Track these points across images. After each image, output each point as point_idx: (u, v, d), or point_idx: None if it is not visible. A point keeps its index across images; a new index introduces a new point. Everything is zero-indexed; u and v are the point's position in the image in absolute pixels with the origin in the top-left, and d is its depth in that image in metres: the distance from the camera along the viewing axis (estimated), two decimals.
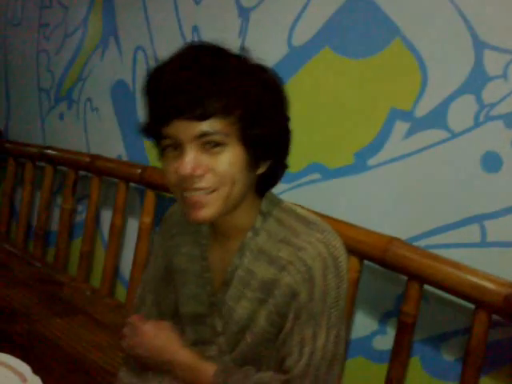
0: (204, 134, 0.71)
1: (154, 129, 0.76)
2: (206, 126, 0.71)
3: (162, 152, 0.77)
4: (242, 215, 0.82)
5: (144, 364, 0.92)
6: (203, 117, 0.70)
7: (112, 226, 2.00)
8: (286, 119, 0.81)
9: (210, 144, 0.72)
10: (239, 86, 0.72)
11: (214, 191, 0.74)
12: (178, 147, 0.73)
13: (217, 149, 0.73)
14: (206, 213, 0.75)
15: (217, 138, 0.72)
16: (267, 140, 0.76)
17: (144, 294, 1.00)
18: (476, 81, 1.27)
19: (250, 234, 0.83)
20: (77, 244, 2.23)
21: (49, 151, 2.26)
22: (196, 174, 0.72)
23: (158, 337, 0.89)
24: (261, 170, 0.79)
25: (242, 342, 0.85)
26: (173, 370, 0.87)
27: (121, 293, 2.08)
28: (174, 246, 0.93)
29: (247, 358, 0.86)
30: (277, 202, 0.85)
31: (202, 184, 0.73)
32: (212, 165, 0.73)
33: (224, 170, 0.73)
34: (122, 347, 0.96)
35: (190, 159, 0.71)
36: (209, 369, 0.84)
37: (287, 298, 0.80)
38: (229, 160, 0.73)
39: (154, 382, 0.92)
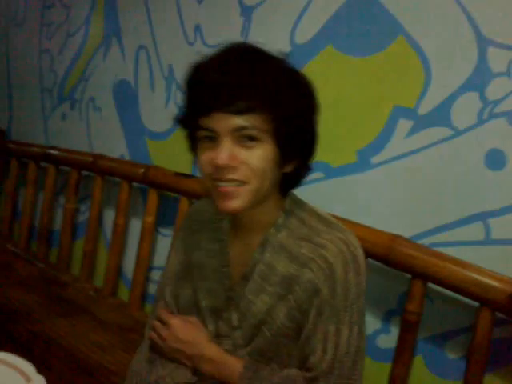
0: (241, 128, 0.74)
1: (193, 119, 0.78)
2: (243, 120, 0.74)
3: (197, 143, 0.80)
4: (266, 211, 0.84)
5: (172, 357, 0.93)
6: (242, 111, 0.73)
7: (115, 225, 2.00)
8: (315, 124, 0.84)
9: (245, 138, 0.75)
10: (278, 86, 0.75)
11: (244, 184, 0.77)
12: (214, 139, 0.76)
13: (251, 143, 0.76)
14: (236, 203, 0.77)
15: (252, 132, 0.75)
16: (297, 140, 0.80)
17: (163, 286, 1.01)
18: (480, 78, 1.27)
19: (272, 230, 0.85)
20: (80, 244, 2.23)
21: (52, 151, 2.26)
22: (231, 165, 0.75)
23: (187, 331, 0.91)
24: (287, 169, 0.82)
25: (260, 335, 0.86)
26: (200, 363, 0.90)
27: (124, 292, 2.07)
28: (194, 242, 0.95)
29: (263, 353, 0.87)
30: (299, 203, 0.88)
31: (235, 176, 0.76)
32: (246, 158, 0.75)
33: (256, 165, 0.76)
34: (151, 338, 0.96)
35: (226, 150, 0.74)
36: (236, 364, 0.86)
37: (309, 294, 0.82)
38: (262, 155, 0.76)
39: (167, 370, 0.92)
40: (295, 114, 0.78)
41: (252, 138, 0.75)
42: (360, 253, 0.84)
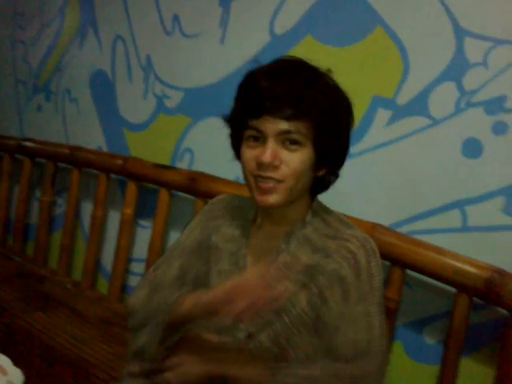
0: (286, 132, 0.83)
1: (244, 120, 0.86)
2: (289, 125, 0.82)
3: (241, 141, 0.88)
4: (295, 209, 0.92)
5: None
6: (289, 117, 0.82)
7: (93, 218, 1.97)
8: (349, 136, 0.92)
9: (288, 141, 0.84)
10: (322, 98, 0.83)
11: (281, 182, 0.84)
12: (260, 139, 0.85)
13: (294, 146, 0.84)
14: (274, 198, 0.85)
15: (296, 137, 0.83)
16: (332, 149, 0.88)
17: (172, 256, 1.02)
18: (457, 68, 1.29)
19: (299, 224, 0.92)
20: (57, 237, 2.20)
21: (27, 143, 2.21)
22: (274, 164, 0.83)
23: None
24: (319, 174, 0.90)
25: (278, 321, 0.88)
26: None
27: (103, 285, 2.05)
28: (215, 226, 1.00)
29: (277, 341, 0.88)
30: (325, 208, 0.97)
31: (275, 174, 0.84)
32: (287, 159, 0.84)
33: (295, 166, 0.84)
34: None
35: (272, 150, 0.83)
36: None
37: (331, 281, 0.87)
38: (301, 158, 0.84)
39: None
40: (334, 124, 0.86)
41: (295, 142, 0.84)
42: (378, 250, 0.91)
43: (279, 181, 0.84)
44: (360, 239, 0.90)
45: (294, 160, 0.84)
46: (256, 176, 0.85)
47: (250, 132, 0.86)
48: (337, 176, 0.95)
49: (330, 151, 0.88)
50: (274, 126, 0.82)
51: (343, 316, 0.86)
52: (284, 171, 0.84)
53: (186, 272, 0.99)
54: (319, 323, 0.87)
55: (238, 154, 0.92)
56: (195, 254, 0.99)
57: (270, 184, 0.84)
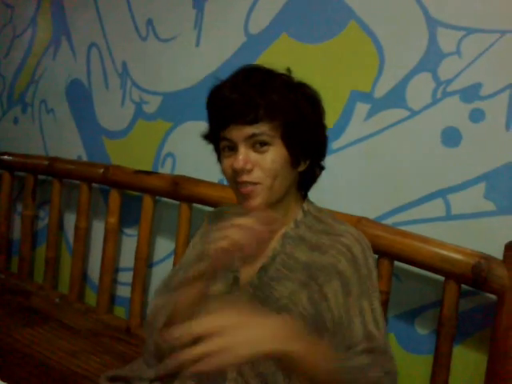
0: (253, 135, 0.86)
1: (215, 133, 0.91)
2: (254, 128, 0.86)
3: (221, 153, 0.92)
4: (285, 208, 0.94)
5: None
6: (253, 121, 0.86)
7: (76, 229, 1.95)
8: (323, 127, 0.95)
9: (257, 144, 0.87)
10: (281, 97, 0.87)
11: (259, 183, 0.87)
12: (233, 148, 0.89)
13: (264, 148, 0.87)
14: (256, 201, 0.88)
15: (263, 138, 0.87)
16: (305, 142, 0.90)
17: (175, 274, 1.04)
18: (431, 58, 1.30)
19: (291, 224, 0.94)
20: (41, 251, 2.17)
21: (4, 157, 2.17)
22: (246, 168, 0.86)
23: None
24: (301, 168, 0.93)
25: None
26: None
27: (91, 297, 2.03)
28: (210, 235, 1.01)
29: None
30: (316, 206, 0.99)
31: (249, 178, 0.87)
32: (259, 161, 0.87)
33: (268, 166, 0.87)
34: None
35: (242, 155, 0.86)
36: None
37: (330, 276, 0.88)
38: (272, 157, 0.87)
39: None
40: (300, 119, 0.89)
41: (263, 143, 0.87)
42: (369, 243, 0.94)
43: (256, 183, 0.87)
44: (354, 234, 0.92)
45: (265, 160, 0.87)
46: (235, 182, 0.89)
47: (223, 143, 0.90)
48: (321, 168, 0.98)
49: (304, 145, 0.90)
50: (240, 132, 0.86)
51: (348, 309, 0.87)
52: (258, 173, 0.87)
53: None
54: (319, 320, 0.88)
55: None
56: (195, 263, 1.00)
57: (249, 188, 0.87)
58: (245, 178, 0.87)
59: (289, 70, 0.93)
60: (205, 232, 1.06)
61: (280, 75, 0.91)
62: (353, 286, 0.88)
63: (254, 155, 0.87)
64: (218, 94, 0.90)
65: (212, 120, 0.93)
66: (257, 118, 0.85)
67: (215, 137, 0.92)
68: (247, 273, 0.95)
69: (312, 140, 0.92)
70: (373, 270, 0.91)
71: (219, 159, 0.95)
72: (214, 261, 0.81)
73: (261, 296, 0.92)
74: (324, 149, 0.96)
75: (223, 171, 0.92)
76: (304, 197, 0.98)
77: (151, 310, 1.00)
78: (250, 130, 0.86)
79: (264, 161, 0.87)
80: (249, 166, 0.86)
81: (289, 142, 0.88)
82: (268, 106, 0.86)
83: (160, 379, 1.03)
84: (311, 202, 0.99)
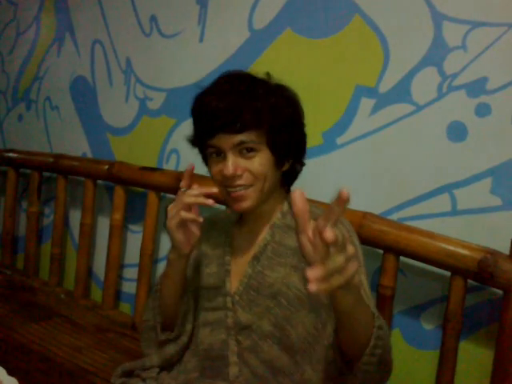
0: (241, 143, 0.91)
1: (201, 141, 0.96)
2: (242, 136, 0.90)
3: (207, 158, 0.97)
4: (271, 203, 0.99)
5: None
6: (240, 130, 0.90)
7: (82, 225, 1.95)
8: (302, 126, 1.00)
9: (245, 150, 0.92)
10: (266, 104, 0.91)
11: (250, 186, 0.93)
12: (220, 154, 0.93)
13: (251, 154, 0.92)
14: (247, 204, 0.94)
15: (251, 145, 0.91)
16: (288, 145, 0.95)
17: None
18: (437, 53, 1.29)
19: (278, 215, 1.00)
20: (47, 248, 2.17)
21: (9, 154, 2.18)
22: (237, 174, 0.91)
23: None
24: (285, 168, 0.98)
25: (276, 306, 0.94)
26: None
27: (96, 293, 2.04)
28: (205, 238, 1.08)
29: (278, 324, 0.93)
30: None
31: (241, 181, 0.92)
32: (248, 166, 0.92)
33: (257, 170, 0.92)
34: None
35: (232, 162, 0.91)
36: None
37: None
38: (260, 162, 0.92)
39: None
40: (284, 123, 0.93)
41: (251, 150, 0.92)
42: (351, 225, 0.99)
43: (247, 186, 0.92)
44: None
45: (253, 166, 0.92)
46: (225, 187, 0.94)
47: (210, 150, 0.94)
48: (302, 164, 1.03)
49: (287, 147, 0.95)
50: (228, 140, 0.90)
51: None
52: (248, 178, 0.92)
53: (189, 285, 1.05)
54: (314, 298, 0.91)
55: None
56: (193, 267, 1.07)
57: (240, 192, 0.92)
58: (237, 181, 0.92)
59: (268, 74, 0.98)
60: (202, 235, 1.09)
61: (261, 81, 0.95)
62: None
63: (242, 161, 0.91)
64: (203, 104, 0.93)
65: (198, 128, 0.96)
66: (244, 126, 0.89)
67: (201, 144, 0.96)
68: (238, 265, 1.01)
69: (294, 141, 0.97)
70: (359, 249, 0.95)
71: (206, 163, 1.00)
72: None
73: (255, 284, 0.96)
74: (304, 147, 1.01)
75: (212, 176, 0.96)
76: (287, 191, 1.03)
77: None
78: (237, 138, 0.90)
79: (252, 165, 0.92)
80: (239, 172, 0.91)
81: (274, 146, 0.93)
82: (254, 113, 0.90)
83: (164, 367, 1.06)
84: None
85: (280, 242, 0.98)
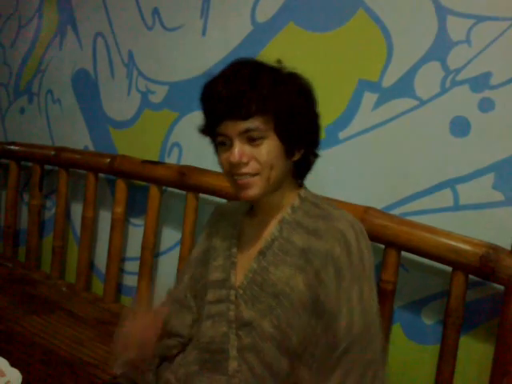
0: (247, 130, 0.89)
1: (210, 128, 0.94)
2: (248, 123, 0.89)
3: (217, 147, 0.96)
4: (281, 195, 0.98)
5: None
6: (246, 117, 0.88)
7: (83, 218, 1.96)
8: (315, 116, 0.97)
9: (252, 137, 0.90)
10: (272, 91, 0.89)
11: (256, 174, 0.91)
12: (228, 142, 0.91)
13: (258, 141, 0.90)
14: (253, 192, 0.92)
15: (257, 132, 0.89)
16: (298, 133, 0.93)
17: (184, 270, 1.12)
18: (441, 47, 1.28)
19: (288, 210, 0.97)
20: (48, 241, 2.18)
21: (11, 147, 2.18)
22: (243, 161, 0.90)
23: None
24: (296, 157, 0.95)
25: (278, 307, 0.92)
26: None
27: (98, 286, 2.04)
28: (215, 230, 1.08)
29: (280, 326, 0.91)
30: (313, 193, 1.02)
31: (248, 169, 0.91)
32: (254, 154, 0.90)
33: (263, 158, 0.90)
34: None
35: (238, 150, 0.90)
36: None
37: (326, 262, 0.89)
38: (267, 149, 0.90)
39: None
40: (291, 112, 0.91)
41: (257, 137, 0.90)
42: (364, 229, 0.95)
43: (253, 174, 0.91)
44: (349, 219, 0.93)
45: (260, 153, 0.90)
46: (232, 175, 0.92)
47: (219, 138, 0.93)
48: (316, 155, 1.00)
49: (296, 136, 0.93)
50: (234, 127, 0.89)
51: (339, 299, 0.88)
52: (254, 165, 0.90)
53: (196, 281, 1.06)
54: (317, 304, 0.89)
55: None
56: (202, 262, 1.07)
57: (246, 179, 0.91)
58: (243, 169, 0.90)
59: (279, 61, 0.96)
60: (209, 226, 1.11)
61: (270, 68, 0.93)
62: (345, 272, 0.89)
63: (249, 148, 0.90)
64: (210, 91, 0.93)
65: (206, 115, 0.96)
66: (249, 112, 0.88)
67: (211, 131, 0.95)
68: (244, 258, 0.99)
69: (305, 130, 0.94)
70: (365, 255, 0.91)
71: (217, 152, 0.98)
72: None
73: (259, 280, 0.95)
74: (317, 137, 0.98)
75: (220, 164, 0.95)
76: (300, 184, 1.01)
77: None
78: (243, 125, 0.89)
79: (259, 153, 0.90)
80: (245, 159, 0.90)
81: (282, 133, 0.91)
82: (259, 100, 0.88)
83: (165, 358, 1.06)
84: (308, 190, 1.01)
85: (288, 238, 0.95)
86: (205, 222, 1.14)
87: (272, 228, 0.98)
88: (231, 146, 0.91)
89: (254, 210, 1.03)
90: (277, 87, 0.90)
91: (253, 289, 0.96)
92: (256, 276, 0.96)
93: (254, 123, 0.89)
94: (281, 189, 0.96)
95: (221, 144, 0.93)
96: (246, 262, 0.99)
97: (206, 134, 0.99)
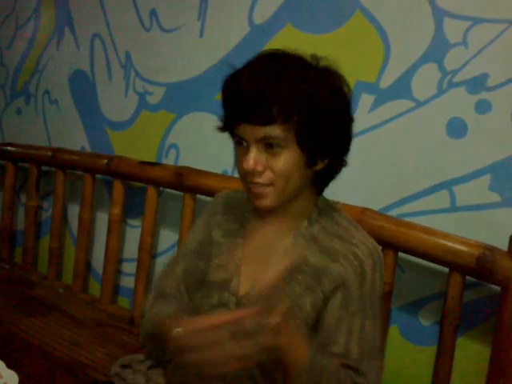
0: (266, 137, 0.81)
1: (228, 129, 0.87)
2: (267, 130, 0.80)
3: (236, 144, 0.88)
4: (298, 204, 0.90)
5: None
6: (265, 122, 0.80)
7: (80, 219, 1.95)
8: (348, 120, 0.88)
9: (270, 145, 0.82)
10: (298, 94, 0.80)
11: (270, 185, 0.84)
12: (245, 144, 0.84)
13: (276, 150, 0.82)
14: (266, 202, 0.85)
15: (276, 141, 0.81)
16: (324, 142, 0.84)
17: (175, 262, 1.01)
18: (437, 49, 1.29)
19: (305, 223, 0.91)
20: (45, 242, 2.17)
21: (8, 148, 2.17)
22: (257, 170, 0.82)
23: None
24: (318, 167, 0.87)
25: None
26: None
27: (95, 288, 2.03)
28: (216, 222, 1.00)
29: None
30: (331, 203, 0.95)
31: (260, 180, 0.83)
32: (270, 163, 0.83)
33: (280, 169, 0.83)
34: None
35: (253, 157, 0.82)
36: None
37: (335, 285, 0.85)
38: (285, 160, 0.82)
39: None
40: (318, 118, 0.81)
41: (276, 145, 0.82)
42: (383, 257, 0.92)
43: (268, 184, 0.84)
44: (369, 247, 0.88)
45: (277, 164, 0.82)
46: (246, 182, 0.86)
47: (236, 138, 0.86)
48: (342, 164, 0.91)
49: (321, 146, 0.84)
50: (252, 132, 0.81)
51: (340, 324, 0.85)
52: (268, 176, 0.83)
53: (190, 274, 0.97)
54: (319, 324, 0.86)
55: None
56: (198, 254, 0.99)
57: (260, 189, 0.84)
58: (256, 179, 0.84)
59: (314, 56, 0.86)
60: (207, 219, 1.02)
61: (298, 65, 0.83)
62: (353, 301, 0.85)
63: (266, 156, 0.82)
64: (230, 87, 0.84)
65: (225, 114, 0.88)
66: (270, 119, 0.79)
67: (229, 130, 0.88)
68: (251, 264, 0.92)
69: (332, 138, 0.85)
70: (377, 287, 0.88)
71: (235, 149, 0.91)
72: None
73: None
74: (347, 145, 0.89)
75: (236, 166, 0.88)
76: (319, 193, 0.93)
77: (144, 315, 0.97)
78: (262, 131, 0.80)
79: (276, 163, 0.82)
80: (259, 168, 0.82)
81: (304, 144, 0.82)
82: (281, 104, 0.79)
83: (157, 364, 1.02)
84: (326, 200, 0.94)
85: (301, 254, 0.88)
86: (204, 208, 1.05)
87: (286, 240, 0.90)
88: (248, 149, 0.83)
89: (267, 214, 0.93)
90: (303, 90, 0.80)
91: (258, 302, 0.87)
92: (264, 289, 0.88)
93: (274, 131, 0.80)
94: (298, 198, 0.89)
95: (238, 144, 0.86)
96: (252, 270, 0.92)
97: (224, 131, 0.90)
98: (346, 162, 0.91)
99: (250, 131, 0.82)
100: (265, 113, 0.79)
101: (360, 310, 0.85)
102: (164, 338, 0.77)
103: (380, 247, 0.92)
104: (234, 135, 0.86)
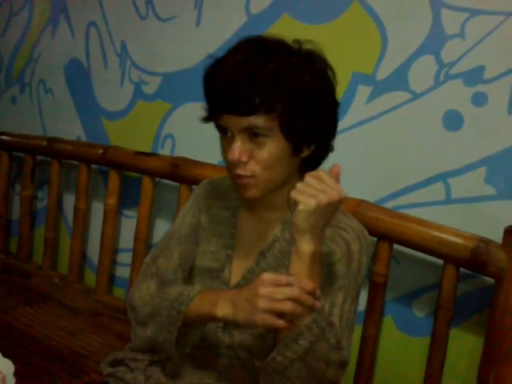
0: (249, 127, 0.81)
1: (212, 119, 0.87)
2: (251, 120, 0.80)
3: (221, 134, 0.87)
4: (286, 194, 0.86)
5: None
6: (248, 113, 0.79)
7: (76, 209, 1.95)
8: (333, 105, 0.87)
9: (254, 135, 0.82)
10: (281, 83, 0.79)
11: (254, 176, 0.84)
12: (230, 133, 0.84)
13: (261, 139, 0.82)
14: (252, 193, 0.85)
15: (260, 130, 0.81)
16: (309, 129, 0.83)
17: (168, 247, 1.00)
18: (435, 40, 1.28)
19: None
20: (40, 232, 2.17)
21: (3, 137, 2.16)
22: (242, 160, 0.82)
23: None
24: (305, 154, 0.87)
25: None
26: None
27: (90, 278, 2.04)
28: (205, 206, 0.99)
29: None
30: None
31: (244, 171, 0.83)
32: (254, 153, 0.82)
33: (264, 159, 0.82)
34: None
35: (237, 147, 0.82)
36: None
37: (323, 264, 0.84)
38: (270, 151, 0.82)
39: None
40: (303, 106, 0.81)
41: (261, 135, 0.81)
42: (371, 243, 0.93)
43: (250, 176, 0.84)
44: (356, 231, 0.90)
45: (261, 154, 0.82)
46: (231, 173, 0.86)
47: (221, 128, 0.86)
48: (329, 149, 0.92)
49: (306, 133, 0.83)
50: (236, 123, 0.81)
51: (326, 296, 0.85)
52: (252, 166, 0.83)
53: (186, 260, 0.97)
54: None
55: None
56: (191, 239, 0.98)
57: (244, 180, 0.84)
58: (239, 171, 0.83)
59: (297, 41, 0.86)
60: (197, 202, 1.01)
61: (281, 52, 0.82)
62: (338, 278, 0.86)
63: (251, 146, 0.82)
64: (211, 78, 0.84)
65: (207, 104, 0.88)
66: (253, 109, 0.79)
67: (214, 120, 0.87)
68: (241, 254, 0.93)
69: (317, 124, 0.84)
70: (362, 271, 0.89)
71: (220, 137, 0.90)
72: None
73: None
74: (333, 130, 0.89)
75: (222, 156, 0.88)
76: None
77: (142, 297, 0.95)
78: (245, 121, 0.80)
79: (260, 153, 0.82)
80: (244, 159, 0.82)
81: (289, 132, 0.82)
82: (265, 94, 0.78)
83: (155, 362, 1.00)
84: None
85: (289, 240, 0.87)
86: (192, 194, 1.05)
87: (274, 228, 0.92)
88: (232, 139, 0.83)
89: (253, 204, 0.94)
90: (287, 79, 0.79)
91: None
92: (254, 278, 0.86)
93: (258, 120, 0.80)
94: (285, 186, 0.88)
95: (223, 133, 0.86)
96: (242, 259, 0.93)
97: (207, 121, 0.90)
98: (332, 147, 0.92)
99: (234, 121, 0.81)
100: (247, 103, 0.79)
101: (344, 286, 0.87)
102: (208, 314, 0.81)
103: (368, 233, 0.94)
104: (218, 125, 0.86)
